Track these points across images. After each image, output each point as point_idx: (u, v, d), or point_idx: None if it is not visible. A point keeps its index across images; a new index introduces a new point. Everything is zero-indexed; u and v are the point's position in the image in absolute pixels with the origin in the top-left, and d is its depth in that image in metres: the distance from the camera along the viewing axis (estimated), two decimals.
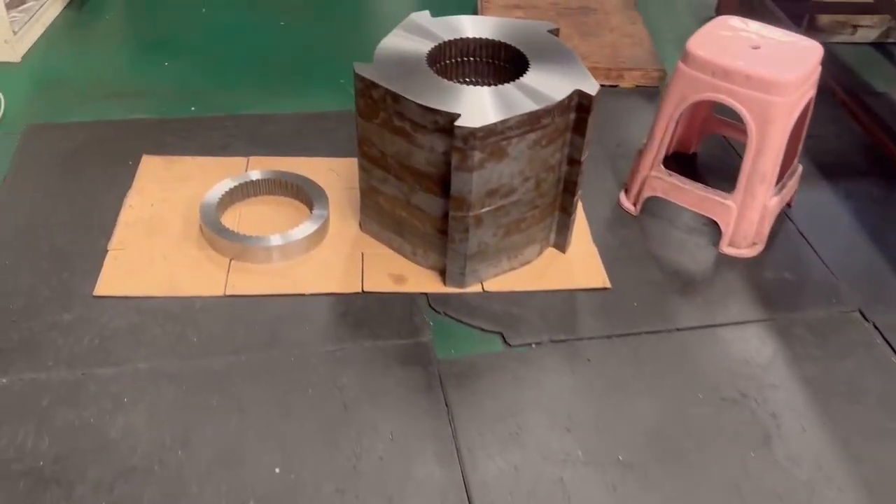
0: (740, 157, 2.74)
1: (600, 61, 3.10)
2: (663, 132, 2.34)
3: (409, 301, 2.15)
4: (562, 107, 1.99)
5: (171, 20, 3.47)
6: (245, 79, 3.08)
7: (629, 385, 1.96)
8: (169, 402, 1.85)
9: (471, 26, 2.26)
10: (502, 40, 2.21)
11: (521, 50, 2.17)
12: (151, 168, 2.54)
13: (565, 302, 2.18)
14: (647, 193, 2.43)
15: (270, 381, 1.91)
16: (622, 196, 2.54)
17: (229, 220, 2.35)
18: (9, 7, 3.11)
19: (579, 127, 2.07)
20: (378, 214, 2.28)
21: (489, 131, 1.90)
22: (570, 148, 2.12)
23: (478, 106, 1.94)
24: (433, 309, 2.13)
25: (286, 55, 3.27)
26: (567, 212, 2.24)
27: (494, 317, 2.12)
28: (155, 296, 2.10)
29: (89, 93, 2.92)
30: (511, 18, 2.31)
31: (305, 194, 2.41)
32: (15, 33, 3.02)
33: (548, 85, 2.03)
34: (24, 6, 3.18)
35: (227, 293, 2.13)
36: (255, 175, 2.43)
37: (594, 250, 2.34)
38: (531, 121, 1.95)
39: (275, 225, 2.34)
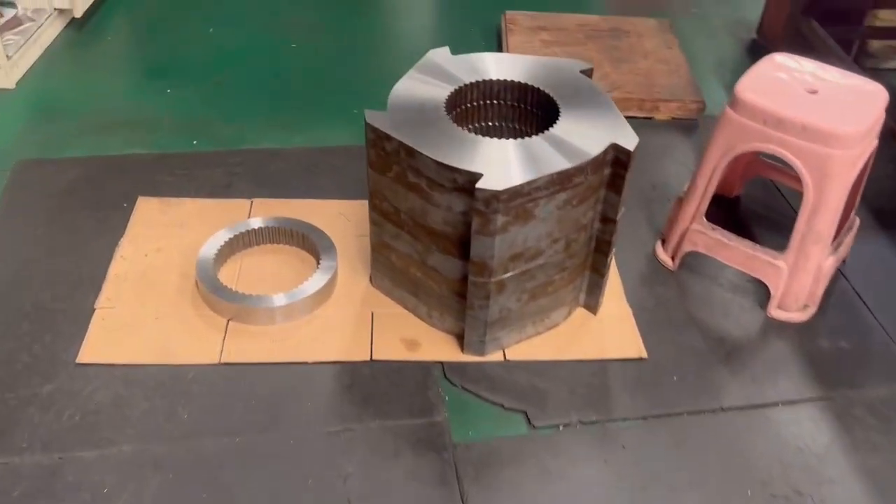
0: (788, 203, 2.53)
1: (633, 91, 2.88)
2: (706, 183, 2.11)
3: (422, 371, 1.95)
4: (596, 163, 1.78)
5: (176, 41, 3.28)
6: (252, 108, 2.88)
7: (669, 479, 1.74)
8: (154, 494, 1.65)
9: (494, 66, 2.04)
10: (529, 82, 1.99)
11: (551, 94, 1.95)
12: (147, 212, 2.35)
13: (596, 374, 1.97)
14: (686, 248, 2.21)
15: (267, 468, 1.71)
16: (659, 247, 2.32)
17: (229, 272, 2.16)
18: (4, 29, 2.94)
19: (615, 183, 1.85)
20: (390, 271, 2.07)
21: (514, 193, 1.69)
22: (604, 205, 1.90)
23: (501, 163, 1.73)
24: (449, 381, 1.93)
25: (297, 81, 3.07)
26: (599, 272, 2.03)
27: (517, 391, 1.91)
28: (144, 363, 1.91)
29: (86, 123, 2.73)
30: (539, 57, 2.09)
31: (311, 244, 2.21)
32: (9, 58, 2.84)
33: (580, 136, 1.81)
34: (21, 28, 3.00)
35: (223, 361, 1.93)
36: (256, 223, 2.23)
37: (628, 312, 2.12)
38: (562, 180, 1.74)
39: (278, 279, 2.14)
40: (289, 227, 2.24)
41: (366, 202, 2.29)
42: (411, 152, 1.76)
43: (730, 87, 3.17)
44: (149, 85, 2.98)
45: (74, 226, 2.29)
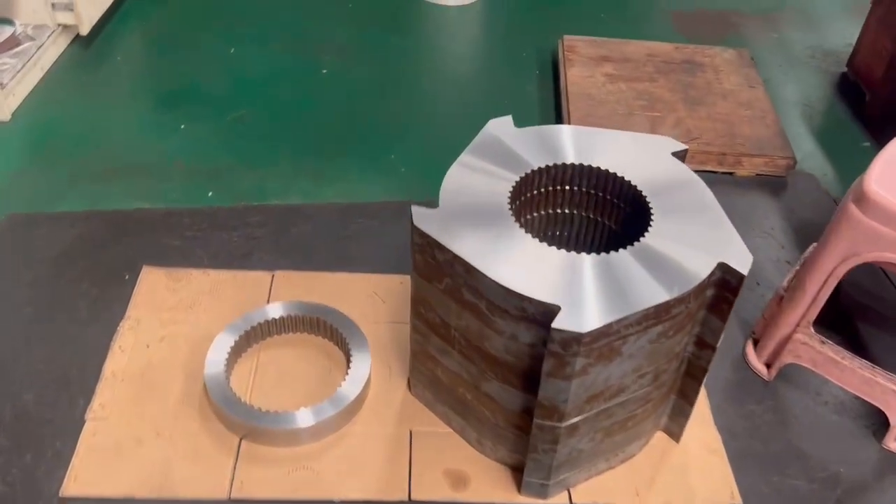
0: None
1: (712, 142, 2.50)
2: (818, 289, 1.75)
3: None
4: (700, 288, 1.42)
5: (193, 63, 2.93)
6: (276, 150, 2.54)
7: None
8: None
9: (569, 142, 1.68)
10: (611, 168, 1.63)
11: (639, 187, 1.59)
12: (152, 286, 2.02)
13: None
14: (787, 359, 1.85)
15: None
16: (750, 350, 1.96)
17: (243, 371, 1.84)
18: (0, 51, 2.61)
19: (718, 307, 1.50)
20: (433, 385, 1.74)
21: (600, 334, 1.34)
22: (703, 328, 1.55)
23: (582, 290, 1.37)
24: None
25: (327, 117, 2.71)
26: (688, 399, 1.68)
27: None
28: (140, 498, 1.60)
29: (87, 166, 2.41)
30: (624, 132, 1.72)
31: (340, 337, 1.88)
32: (3, 86, 2.51)
33: (679, 250, 1.45)
34: (19, 49, 2.67)
35: (233, 496, 1.61)
36: (276, 311, 1.90)
37: (717, 439, 1.77)
38: (658, 313, 1.38)
39: (301, 382, 1.83)
40: (314, 315, 1.91)
41: (403, 278, 1.99)
42: (469, 269, 1.42)
43: (818, 132, 2.80)
44: (160, 119, 2.65)
45: (67, 304, 1.97)
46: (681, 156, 1.69)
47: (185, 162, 2.45)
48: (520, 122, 1.70)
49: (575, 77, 2.73)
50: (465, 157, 1.62)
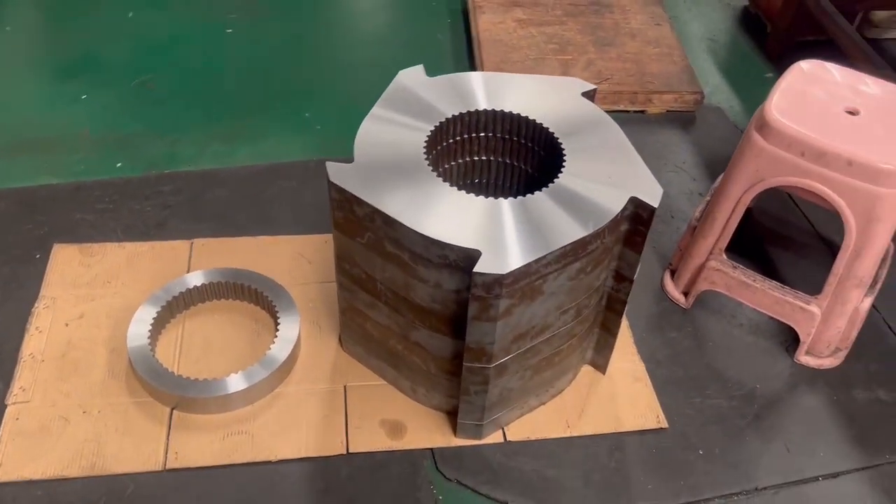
0: (804, 216, 2.26)
1: (624, 82, 2.54)
2: (727, 217, 1.82)
3: (409, 462, 1.65)
4: (614, 223, 1.46)
5: (90, 30, 2.80)
6: (185, 115, 2.46)
7: None
8: None
9: (480, 89, 1.69)
10: (523, 112, 1.65)
11: (551, 129, 1.62)
12: (65, 264, 1.96)
13: (612, 451, 1.69)
14: (702, 287, 1.93)
15: None
16: (668, 280, 2.03)
17: (168, 341, 1.81)
18: None
19: (633, 241, 1.54)
20: (364, 339, 1.75)
21: (521, 274, 1.37)
22: (620, 262, 1.60)
23: (501, 233, 1.40)
24: (442, 474, 1.64)
25: (236, 77, 2.64)
26: (610, 332, 1.74)
27: (523, 482, 1.63)
28: (71, 477, 1.57)
29: None
30: (534, 76, 1.73)
31: (267, 301, 1.87)
32: None
33: (592, 188, 1.49)
34: None
35: (168, 467, 1.60)
36: (197, 279, 1.87)
37: (641, 368, 1.84)
38: (575, 250, 1.42)
39: (229, 348, 1.81)
40: (237, 280, 1.89)
41: (328, 237, 1.98)
42: (389, 221, 1.42)
43: (723, 66, 2.88)
44: (60, 89, 2.53)
45: None
46: (590, 95, 1.72)
47: (91, 132, 2.36)
48: (434, 72, 1.69)
49: (486, 24, 2.73)
50: (377, 110, 1.61)
